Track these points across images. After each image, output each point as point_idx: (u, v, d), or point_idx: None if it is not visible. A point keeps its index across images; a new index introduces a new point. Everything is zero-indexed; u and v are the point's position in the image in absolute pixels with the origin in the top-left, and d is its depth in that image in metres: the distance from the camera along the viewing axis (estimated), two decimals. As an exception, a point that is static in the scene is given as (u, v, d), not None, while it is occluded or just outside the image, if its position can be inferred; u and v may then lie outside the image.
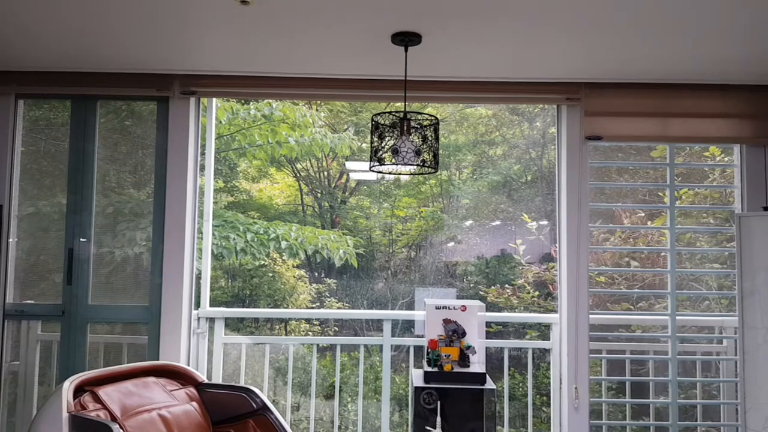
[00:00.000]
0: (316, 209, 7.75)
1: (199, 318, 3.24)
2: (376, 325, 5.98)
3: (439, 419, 2.67)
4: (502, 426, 3.40)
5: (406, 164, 2.31)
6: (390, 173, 2.51)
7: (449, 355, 2.90)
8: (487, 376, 2.81)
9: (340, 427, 5.18)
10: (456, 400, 2.72)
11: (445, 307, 3.01)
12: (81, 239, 3.03)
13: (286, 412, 3.55)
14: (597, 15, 2.23)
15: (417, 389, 2.74)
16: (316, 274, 7.20)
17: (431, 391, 2.72)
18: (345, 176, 7.73)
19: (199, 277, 3.25)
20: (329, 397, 5.37)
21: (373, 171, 2.42)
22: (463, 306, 3.01)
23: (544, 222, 6.38)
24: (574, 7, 2.16)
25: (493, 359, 3.90)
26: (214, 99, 3.33)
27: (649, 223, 4.63)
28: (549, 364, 3.31)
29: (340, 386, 4.92)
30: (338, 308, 6.81)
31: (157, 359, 2.95)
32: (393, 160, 2.32)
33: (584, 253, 3.02)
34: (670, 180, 3.18)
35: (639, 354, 3.33)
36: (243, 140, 6.03)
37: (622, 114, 3.01)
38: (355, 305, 6.84)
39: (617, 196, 4.40)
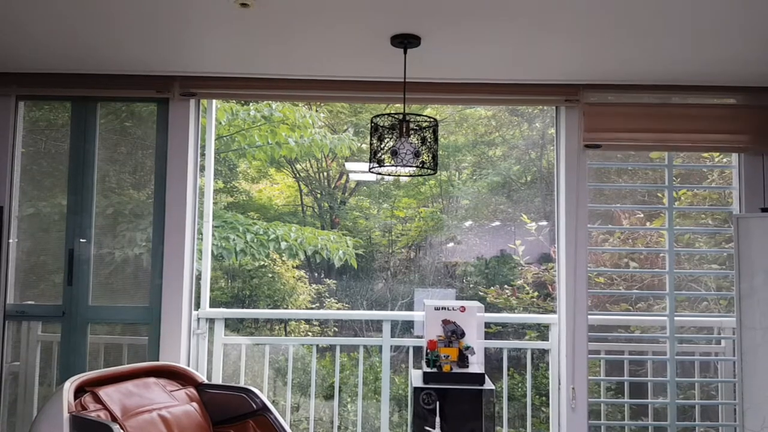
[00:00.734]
0: (315, 210, 7.76)
1: (199, 319, 3.25)
2: (375, 326, 5.99)
3: (438, 419, 2.67)
4: (502, 426, 3.41)
5: (405, 166, 2.32)
6: (389, 175, 2.52)
7: (448, 356, 2.91)
8: (486, 377, 2.82)
9: (339, 428, 5.18)
10: (455, 401, 2.73)
11: (444, 308, 3.02)
12: (81, 240, 3.04)
13: (285, 412, 3.55)
14: (595, 16, 2.24)
15: (416, 390, 2.75)
16: (316, 274, 7.21)
17: (430, 392, 2.73)
18: (344, 177, 7.75)
19: (199, 278, 3.26)
20: (329, 397, 5.37)
21: (372, 172, 2.43)
22: (462, 307, 3.02)
23: (544, 223, 6.39)
24: (573, 8, 2.17)
25: (493, 360, 3.91)
26: (214, 100, 3.34)
27: (648, 224, 4.64)
28: (548, 364, 3.32)
29: (339, 386, 4.92)
30: (338, 309, 6.82)
31: (158, 360, 2.95)
32: (392, 162, 2.33)
33: (583, 254, 3.03)
34: (668, 181, 3.19)
35: (638, 354, 3.34)
36: (243, 141, 6.04)
37: (621, 115, 3.01)
38: (355, 306, 6.85)
39: (616, 197, 4.41)
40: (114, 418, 2.20)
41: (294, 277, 6.65)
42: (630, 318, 3.93)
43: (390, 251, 7.36)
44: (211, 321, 3.34)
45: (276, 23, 2.34)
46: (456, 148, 7.32)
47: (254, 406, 2.55)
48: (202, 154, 3.25)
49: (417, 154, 2.33)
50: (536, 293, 5.84)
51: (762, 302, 2.79)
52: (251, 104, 5.88)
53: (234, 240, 5.66)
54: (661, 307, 4.20)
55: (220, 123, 5.87)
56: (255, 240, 5.77)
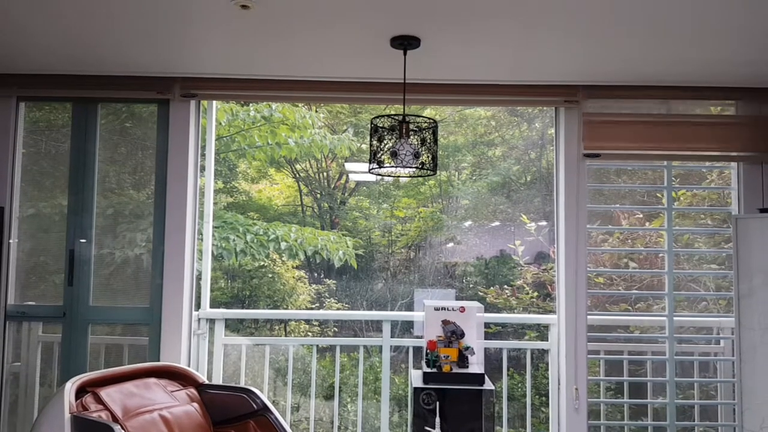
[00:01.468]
0: (315, 210, 7.76)
1: (199, 319, 3.25)
2: (375, 326, 6.00)
3: (438, 420, 2.68)
4: (501, 426, 3.42)
5: (404, 167, 2.33)
6: (389, 175, 2.53)
7: (448, 356, 2.92)
8: (486, 377, 2.83)
9: (339, 428, 5.19)
10: (455, 401, 2.74)
11: (443, 308, 3.02)
12: (81, 240, 3.05)
13: (286, 412, 3.56)
14: (594, 17, 2.24)
15: (416, 390, 2.75)
16: (316, 274, 7.21)
17: (430, 392, 2.73)
18: (344, 177, 7.75)
19: (199, 278, 3.26)
20: (329, 397, 5.38)
21: (372, 173, 2.44)
22: (462, 307, 3.03)
23: (543, 223, 6.40)
24: (572, 9, 2.17)
25: (493, 360, 3.92)
26: (214, 101, 3.34)
27: (647, 224, 4.65)
28: (548, 364, 3.32)
29: (339, 387, 4.93)
30: (338, 309, 6.82)
31: (158, 360, 2.96)
32: (392, 163, 2.33)
33: (582, 255, 3.03)
34: (667, 181, 3.20)
35: (637, 355, 3.35)
36: (243, 141, 6.05)
37: (619, 115, 3.02)
38: (355, 306, 6.86)
39: (616, 198, 4.42)
40: (115, 419, 2.21)
41: (294, 277, 6.65)
42: (629, 318, 3.94)
43: (390, 251, 7.37)
44: (212, 321, 3.35)
45: (276, 24, 2.35)
46: (456, 148, 7.33)
47: (255, 406, 2.56)
48: (202, 155, 3.25)
49: (417, 155, 2.33)
50: (536, 293, 5.85)
51: (761, 302, 2.80)
52: (251, 105, 5.89)
53: (234, 240, 5.66)
54: (661, 307, 4.21)
55: (220, 123, 5.88)
56: (255, 240, 5.78)
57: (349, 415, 5.35)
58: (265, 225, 6.10)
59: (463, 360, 2.92)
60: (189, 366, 3.04)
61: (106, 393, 2.30)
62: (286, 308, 6.43)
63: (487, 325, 3.99)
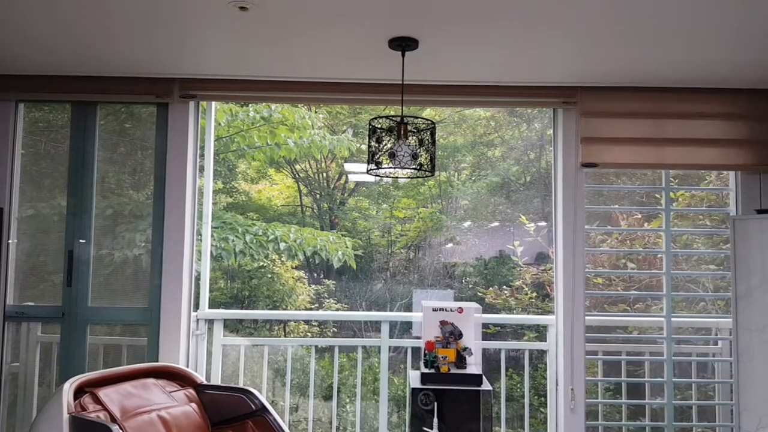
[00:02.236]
0: (315, 210, 7.77)
1: (198, 319, 3.26)
2: (374, 327, 6.00)
3: (436, 420, 2.69)
4: (500, 427, 3.42)
5: (402, 168, 2.34)
6: (387, 176, 2.54)
7: (446, 357, 2.92)
8: (484, 378, 2.83)
9: (338, 428, 5.20)
10: (453, 401, 2.74)
11: (441, 309, 3.03)
12: (81, 241, 3.05)
13: (284, 413, 3.57)
14: (592, 18, 2.25)
15: (414, 390, 2.76)
16: (315, 275, 7.22)
17: (428, 392, 2.74)
18: (344, 177, 7.76)
19: (198, 279, 3.27)
20: (328, 398, 5.39)
21: (370, 174, 2.45)
22: (460, 308, 3.03)
23: (542, 223, 6.41)
24: (570, 10, 2.18)
25: (491, 360, 3.92)
26: (213, 102, 3.35)
27: (645, 225, 4.66)
28: (546, 365, 3.33)
29: (338, 387, 4.93)
30: (337, 309, 6.83)
31: (157, 361, 2.96)
32: (390, 164, 2.34)
33: (580, 255, 3.04)
34: (666, 182, 3.20)
35: (635, 355, 3.36)
36: (242, 142, 6.06)
37: (618, 116, 3.02)
38: (354, 306, 6.87)
39: (614, 198, 4.43)
40: (113, 419, 2.21)
41: (293, 277, 6.66)
42: (628, 319, 3.95)
43: (389, 252, 7.38)
44: (210, 322, 3.36)
45: (274, 26, 2.35)
46: (455, 148, 7.33)
47: (253, 406, 2.56)
48: (202, 155, 3.26)
49: (415, 156, 2.34)
50: (534, 294, 5.86)
51: (759, 303, 2.80)
52: (250, 105, 5.90)
53: (233, 241, 5.67)
54: (659, 307, 4.21)
55: (220, 124, 5.88)
56: (254, 241, 5.79)
57: (347, 416, 5.36)
58: (265, 225, 6.11)
59: (461, 360, 2.92)
60: (187, 366, 3.04)
61: (104, 393, 2.30)
62: (285, 309, 6.44)
63: (486, 325, 4.00)
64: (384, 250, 7.39)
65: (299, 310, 6.55)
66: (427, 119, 2.43)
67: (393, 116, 2.39)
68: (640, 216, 4.66)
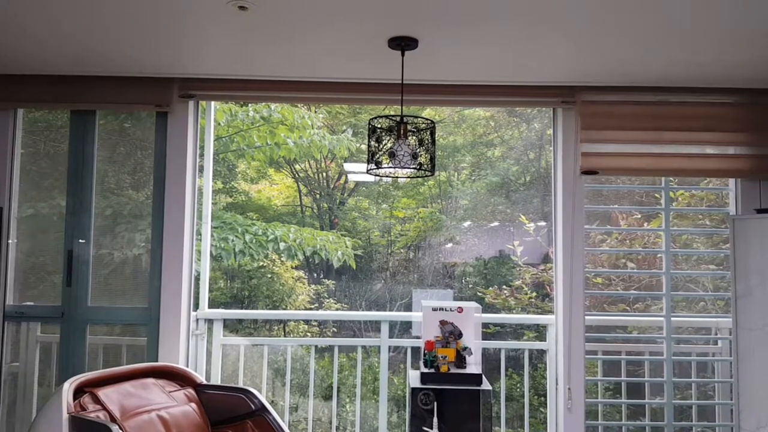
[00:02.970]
0: (314, 210, 7.77)
1: (197, 319, 3.25)
2: (374, 326, 6.00)
3: (436, 420, 2.69)
4: (499, 427, 3.42)
5: (402, 167, 2.33)
6: (387, 176, 2.53)
7: (446, 356, 2.92)
8: (484, 377, 2.83)
9: (338, 428, 5.20)
10: (453, 401, 2.74)
11: (441, 309, 3.03)
12: (80, 241, 3.05)
13: (284, 412, 3.56)
14: (592, 18, 2.25)
15: (414, 390, 2.76)
16: (315, 275, 7.22)
17: (428, 392, 2.74)
18: (343, 177, 7.76)
19: (197, 279, 3.27)
20: (327, 397, 5.39)
21: (370, 174, 2.45)
22: (460, 308, 3.03)
23: (542, 223, 6.40)
24: (569, 10, 2.18)
25: (491, 360, 3.92)
26: (213, 102, 3.35)
27: (645, 224, 4.66)
28: (546, 364, 3.33)
29: (338, 387, 4.93)
30: (337, 309, 6.83)
31: (156, 360, 2.96)
32: (390, 164, 2.34)
33: (580, 255, 3.04)
34: (665, 182, 3.20)
35: (635, 355, 3.36)
36: (242, 142, 6.05)
37: (617, 117, 3.02)
38: (354, 306, 6.87)
39: (614, 198, 4.43)
40: (113, 419, 2.21)
41: (293, 277, 6.66)
42: (627, 318, 3.95)
43: (389, 252, 7.38)
44: (210, 322, 3.36)
45: (274, 26, 2.35)
46: (455, 148, 7.33)
47: (253, 406, 2.56)
48: (201, 155, 3.26)
49: (415, 156, 2.34)
50: (534, 294, 5.86)
51: (758, 303, 2.80)
52: (250, 105, 5.89)
53: (233, 241, 5.67)
54: (659, 307, 4.21)
55: (219, 124, 5.88)
56: (254, 241, 5.78)
57: (347, 416, 5.35)
58: (264, 225, 6.11)
59: (460, 360, 2.92)
60: (187, 366, 3.04)
61: (104, 393, 2.30)
62: (285, 308, 6.44)
63: (486, 325, 4.00)
64: (384, 250, 7.39)
65: (299, 310, 6.55)
66: (427, 119, 2.43)
67: (393, 116, 2.39)
68: (639, 216, 4.66)
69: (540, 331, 5.05)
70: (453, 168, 7.49)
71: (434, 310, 3.03)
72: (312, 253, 6.14)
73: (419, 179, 7.05)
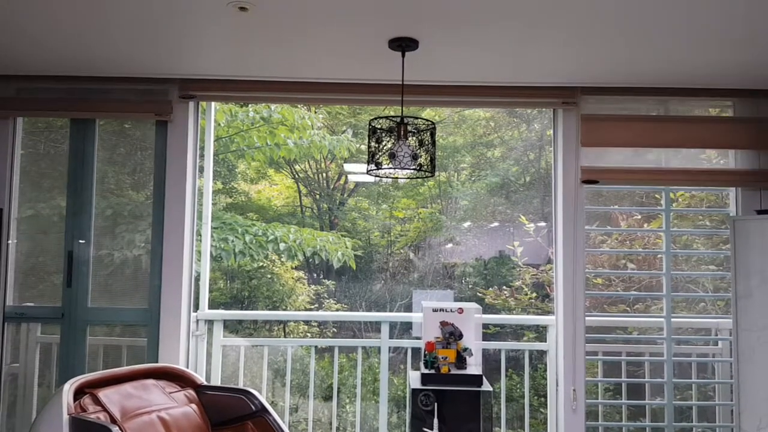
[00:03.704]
0: (314, 211, 7.76)
1: (197, 320, 3.25)
2: (374, 327, 6.00)
3: (436, 421, 2.68)
4: (500, 427, 3.42)
5: (402, 168, 2.33)
6: (387, 177, 2.53)
7: (446, 357, 2.92)
8: (484, 378, 2.83)
9: (338, 429, 5.19)
10: (453, 402, 2.74)
11: (442, 310, 3.03)
12: (80, 241, 3.05)
13: (284, 413, 3.56)
14: (592, 19, 2.25)
15: (414, 391, 2.76)
16: (315, 275, 7.22)
17: (428, 393, 2.74)
18: (343, 178, 7.75)
19: (197, 279, 3.27)
20: (328, 398, 5.38)
21: (370, 174, 2.44)
22: (460, 308, 3.03)
23: (542, 224, 6.40)
24: (570, 11, 2.18)
25: (491, 360, 3.92)
26: (213, 102, 3.35)
27: (645, 225, 4.66)
28: (546, 365, 3.33)
29: (338, 388, 4.93)
30: (337, 310, 6.83)
31: (156, 361, 2.96)
32: (390, 164, 2.33)
33: (580, 256, 3.04)
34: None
35: (635, 356, 3.35)
36: (242, 142, 6.05)
37: (617, 118, 3.02)
38: (354, 307, 6.86)
39: (614, 199, 4.43)
40: (113, 420, 2.21)
41: (293, 278, 6.66)
42: (628, 319, 3.95)
43: (389, 252, 7.37)
44: (210, 322, 3.35)
45: (274, 26, 2.35)
46: (455, 149, 7.33)
47: (253, 407, 2.56)
48: (201, 156, 3.26)
49: (415, 157, 2.34)
50: (534, 294, 5.85)
51: (758, 304, 2.80)
52: (250, 106, 5.89)
53: (233, 241, 5.66)
54: (659, 308, 4.21)
55: (219, 124, 5.88)
56: (254, 241, 5.78)
57: (347, 416, 5.35)
58: (264, 226, 6.10)
59: (461, 361, 2.92)
60: (187, 367, 3.04)
61: (104, 394, 2.30)
62: (285, 309, 6.44)
63: (486, 326, 3.99)
64: (384, 250, 7.38)
65: (299, 310, 6.55)
66: (427, 119, 2.43)
67: (393, 116, 2.39)
68: (639, 216, 4.66)
69: (540, 332, 5.05)
70: (453, 168, 7.49)
71: (435, 311, 3.03)
72: (312, 254, 6.13)
73: (419, 180, 7.05)
